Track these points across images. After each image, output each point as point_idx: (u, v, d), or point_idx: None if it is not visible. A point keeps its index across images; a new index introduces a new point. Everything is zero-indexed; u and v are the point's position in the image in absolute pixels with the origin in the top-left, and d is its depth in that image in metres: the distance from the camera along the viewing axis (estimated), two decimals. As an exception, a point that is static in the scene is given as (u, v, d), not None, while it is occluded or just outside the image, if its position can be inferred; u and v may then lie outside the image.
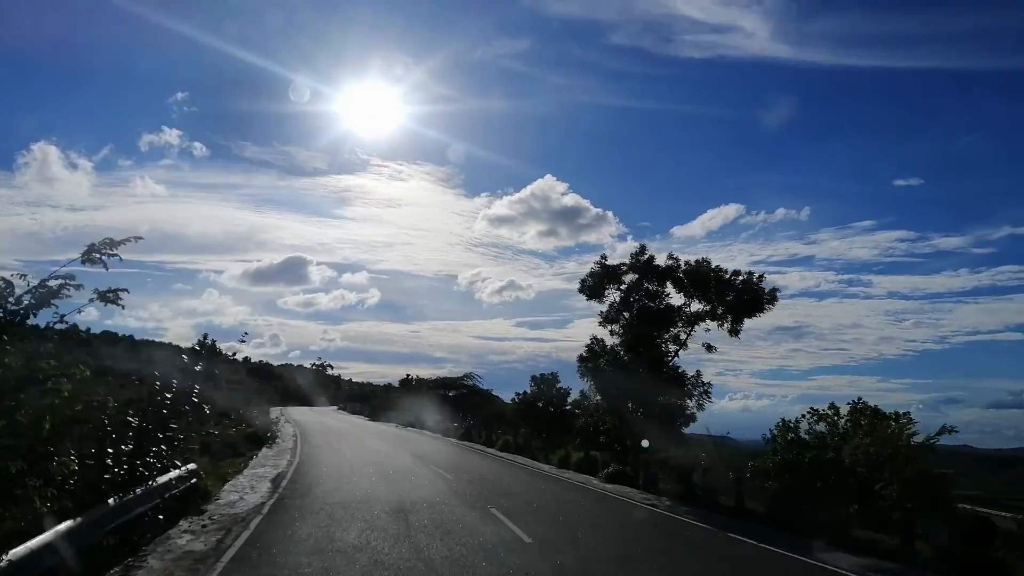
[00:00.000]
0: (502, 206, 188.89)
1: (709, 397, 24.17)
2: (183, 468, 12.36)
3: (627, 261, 23.94)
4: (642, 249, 24.02)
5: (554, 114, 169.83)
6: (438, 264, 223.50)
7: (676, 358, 24.00)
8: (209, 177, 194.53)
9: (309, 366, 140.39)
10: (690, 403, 23.93)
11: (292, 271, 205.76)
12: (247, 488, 17.75)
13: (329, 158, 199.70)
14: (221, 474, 20.06)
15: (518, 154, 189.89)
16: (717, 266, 23.15)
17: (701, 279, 22.96)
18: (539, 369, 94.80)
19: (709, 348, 23.82)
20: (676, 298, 24.19)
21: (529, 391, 50.53)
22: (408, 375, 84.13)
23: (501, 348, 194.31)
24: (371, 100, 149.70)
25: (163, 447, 11.04)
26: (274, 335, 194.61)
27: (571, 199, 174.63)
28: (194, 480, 13.91)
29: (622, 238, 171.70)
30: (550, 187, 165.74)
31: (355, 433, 45.94)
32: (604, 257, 24.17)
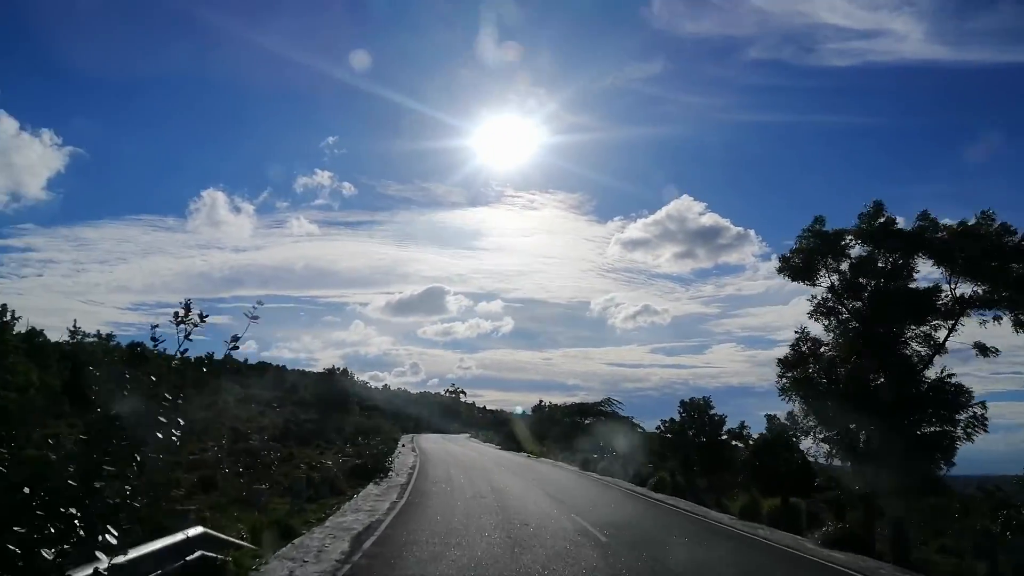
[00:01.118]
0: (636, 229, 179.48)
1: (984, 424, 16.22)
2: (135, 545, 6.94)
3: (851, 227, 16.61)
4: (877, 209, 16.51)
5: (689, 134, 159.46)
6: (570, 291, 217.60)
7: (930, 366, 16.35)
8: (356, 215, 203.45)
9: (444, 393, 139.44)
10: (957, 432, 16.12)
11: (431, 301, 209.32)
12: (312, 552, 12.31)
13: (464, 191, 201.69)
14: (295, 524, 15.02)
15: (652, 176, 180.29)
16: (1003, 224, 15.31)
17: (975, 246, 15.17)
18: (676, 396, 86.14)
19: (984, 351, 15.98)
20: (925, 278, 16.69)
21: (678, 418, 43.58)
22: (541, 401, 78.57)
23: (635, 375, 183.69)
24: (505, 133, 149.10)
25: (75, 513, 5.65)
26: (414, 364, 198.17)
27: (709, 218, 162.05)
28: (197, 554, 8.56)
29: (765, 257, 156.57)
30: (686, 207, 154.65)
31: (482, 464, 40.48)
32: (820, 220, 16.97)
